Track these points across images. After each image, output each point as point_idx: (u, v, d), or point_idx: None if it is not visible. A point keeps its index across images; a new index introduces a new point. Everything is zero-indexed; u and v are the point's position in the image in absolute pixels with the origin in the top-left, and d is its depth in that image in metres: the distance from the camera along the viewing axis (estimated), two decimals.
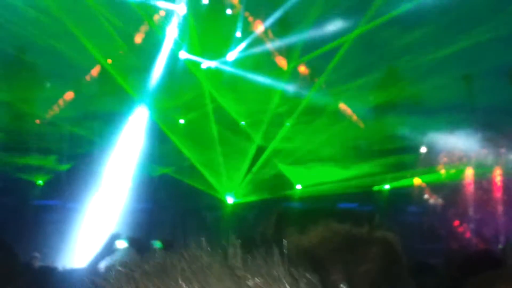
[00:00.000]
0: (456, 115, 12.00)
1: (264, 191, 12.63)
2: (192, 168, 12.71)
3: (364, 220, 1.41)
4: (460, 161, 12.28)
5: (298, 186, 13.00)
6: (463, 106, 12.29)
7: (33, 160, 12.06)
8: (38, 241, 8.91)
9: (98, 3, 11.69)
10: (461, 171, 12.31)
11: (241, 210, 12.61)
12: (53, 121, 12.36)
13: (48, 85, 12.64)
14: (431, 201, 12.81)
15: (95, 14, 11.68)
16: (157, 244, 11.09)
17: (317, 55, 12.50)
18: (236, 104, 13.02)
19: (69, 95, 12.50)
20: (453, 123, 11.80)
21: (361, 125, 12.87)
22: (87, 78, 12.62)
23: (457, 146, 12.02)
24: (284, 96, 12.96)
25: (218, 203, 12.87)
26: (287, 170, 13.04)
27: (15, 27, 11.21)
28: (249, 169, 12.99)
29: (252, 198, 12.69)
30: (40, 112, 12.48)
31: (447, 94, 11.86)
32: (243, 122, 13.20)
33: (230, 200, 12.89)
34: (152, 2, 12.11)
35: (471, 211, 12.22)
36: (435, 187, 12.70)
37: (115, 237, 5.25)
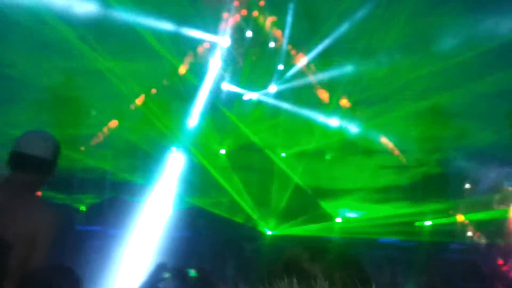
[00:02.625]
0: (501, 153, 11.79)
1: (304, 223, 12.56)
2: (232, 201, 12.75)
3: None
4: (506, 200, 12.02)
5: (338, 219, 12.89)
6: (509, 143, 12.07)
7: (77, 187, 12.27)
8: (81, 266, 9.01)
9: (143, 34, 11.95)
10: (506, 209, 12.04)
11: (279, 241, 12.56)
12: (96, 151, 12.57)
13: (93, 113, 12.88)
14: (475, 238, 12.53)
15: (140, 45, 11.93)
16: (192, 273, 11.11)
17: (359, 88, 12.51)
18: (276, 137, 13.08)
19: (113, 124, 12.73)
20: (499, 161, 11.59)
21: (403, 159, 12.75)
22: (131, 107, 12.85)
23: (502, 184, 11.78)
24: (325, 129, 12.97)
25: (257, 234, 12.85)
26: (327, 204, 12.96)
27: (58, 59, 11.51)
28: (288, 202, 12.95)
29: (291, 230, 12.63)
30: (84, 140, 12.71)
31: (492, 130, 11.69)
32: (283, 154, 13.22)
33: (269, 232, 12.86)
34: (197, 35, 12.34)
35: None
36: (479, 224, 12.44)
37: (161, 266, 5.29)
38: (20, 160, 2.93)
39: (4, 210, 2.82)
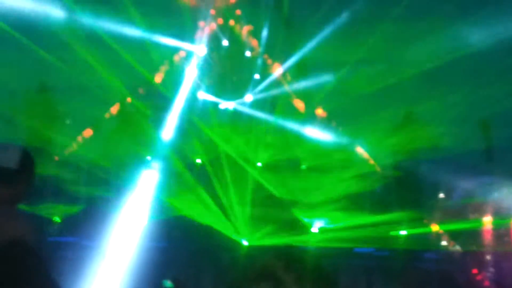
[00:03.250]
0: (476, 162, 11.93)
1: (279, 235, 12.54)
2: (208, 209, 12.69)
3: None
4: (479, 209, 12.15)
5: (315, 230, 12.90)
6: (482, 152, 12.23)
7: (50, 197, 12.11)
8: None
9: (118, 43, 11.87)
10: (479, 219, 12.16)
11: (256, 251, 12.52)
12: (70, 160, 12.44)
13: (67, 122, 12.76)
14: (449, 247, 12.63)
15: (115, 54, 11.85)
16: (167, 284, 11.04)
17: (335, 99, 12.57)
18: (252, 145, 13.07)
19: (88, 133, 12.62)
20: (473, 170, 11.72)
21: (378, 169, 12.82)
22: (106, 116, 12.75)
23: (477, 194, 11.90)
24: (301, 139, 12.99)
25: (233, 245, 12.79)
26: (302, 214, 12.96)
27: (35, 64, 11.37)
28: (264, 212, 12.93)
29: (267, 240, 12.60)
30: (59, 149, 12.57)
31: (466, 140, 11.82)
32: (259, 164, 13.21)
33: (245, 242, 12.81)
34: (172, 43, 12.31)
35: (490, 260, 12.01)
36: (454, 234, 12.54)
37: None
38: None
39: None
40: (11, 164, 2.86)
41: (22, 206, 3.03)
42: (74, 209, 12.37)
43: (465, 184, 11.98)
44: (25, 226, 2.84)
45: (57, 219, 12.25)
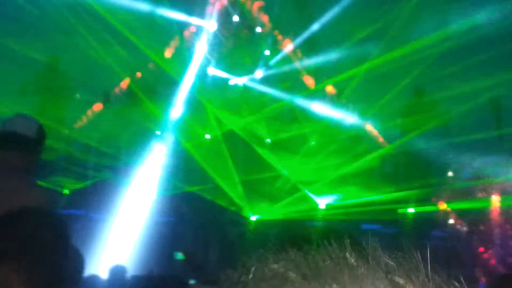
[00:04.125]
0: (485, 142, 11.87)
1: (288, 209, 12.62)
2: (216, 186, 12.75)
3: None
4: (487, 188, 12.14)
5: (322, 206, 12.94)
6: (493, 132, 12.17)
7: (60, 170, 12.20)
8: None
9: (127, 18, 11.81)
10: (487, 198, 12.15)
11: (264, 226, 12.60)
12: (80, 133, 12.50)
13: (77, 96, 12.80)
14: (457, 226, 12.66)
15: (124, 29, 11.80)
16: (178, 256, 11.14)
17: (345, 76, 12.49)
18: (261, 122, 13.07)
19: (97, 107, 12.65)
20: (482, 150, 11.68)
21: (386, 145, 12.79)
22: (116, 91, 12.77)
23: (485, 173, 11.89)
24: (310, 115, 12.96)
25: (241, 219, 12.88)
26: (311, 190, 12.99)
27: (46, 33, 11.33)
28: (272, 187, 12.98)
29: (275, 216, 12.67)
30: (69, 123, 12.63)
31: (476, 119, 11.75)
32: (268, 140, 13.22)
33: (253, 217, 12.89)
34: (182, 18, 12.26)
35: (496, 238, 12.04)
36: (461, 213, 12.56)
37: None
38: (2, 139, 2.97)
39: None
40: (30, 133, 2.99)
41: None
42: (83, 183, 12.47)
43: (475, 163, 11.96)
44: (40, 195, 2.92)
45: (66, 191, 12.35)
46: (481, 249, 12.10)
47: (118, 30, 11.66)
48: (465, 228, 12.57)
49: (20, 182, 2.96)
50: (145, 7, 11.70)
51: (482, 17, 10.67)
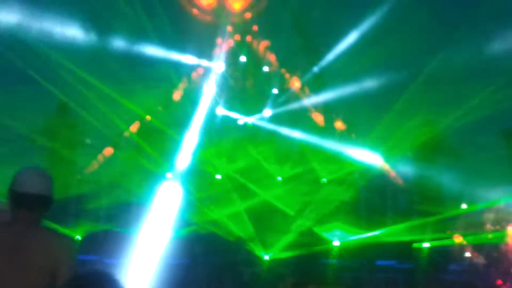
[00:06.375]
0: (498, 173, 11.78)
1: (301, 247, 12.49)
2: (229, 226, 12.68)
3: None
4: (503, 221, 12.00)
5: (336, 243, 12.80)
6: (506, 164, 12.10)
7: (72, 215, 12.20)
8: None
9: (137, 61, 11.95)
10: (503, 231, 11.99)
11: (278, 266, 12.47)
12: (91, 178, 12.52)
13: (88, 141, 12.86)
14: (473, 259, 12.47)
15: (135, 71, 11.92)
16: None
17: (353, 110, 12.51)
18: (272, 160, 13.06)
19: (108, 151, 12.70)
20: (494, 181, 11.58)
21: (400, 181, 12.72)
22: (126, 134, 12.83)
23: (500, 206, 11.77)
24: (320, 151, 12.94)
25: (254, 259, 12.76)
26: (324, 226, 12.87)
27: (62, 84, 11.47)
28: (284, 226, 12.88)
29: (288, 254, 12.54)
30: (80, 168, 12.67)
31: (489, 150, 11.69)
32: (279, 178, 13.19)
33: (266, 256, 12.77)
34: (190, 61, 12.39)
35: None
36: (477, 246, 12.39)
37: None
38: (24, 199, 3.07)
39: (23, 244, 2.97)
40: (47, 192, 3.06)
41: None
42: (95, 227, 12.44)
43: (488, 194, 11.84)
44: (67, 243, 3.09)
45: (77, 237, 12.33)
46: (499, 282, 11.90)
47: (127, 72, 11.78)
48: (481, 261, 12.38)
49: (44, 234, 3.08)
50: (154, 50, 11.83)
51: None
